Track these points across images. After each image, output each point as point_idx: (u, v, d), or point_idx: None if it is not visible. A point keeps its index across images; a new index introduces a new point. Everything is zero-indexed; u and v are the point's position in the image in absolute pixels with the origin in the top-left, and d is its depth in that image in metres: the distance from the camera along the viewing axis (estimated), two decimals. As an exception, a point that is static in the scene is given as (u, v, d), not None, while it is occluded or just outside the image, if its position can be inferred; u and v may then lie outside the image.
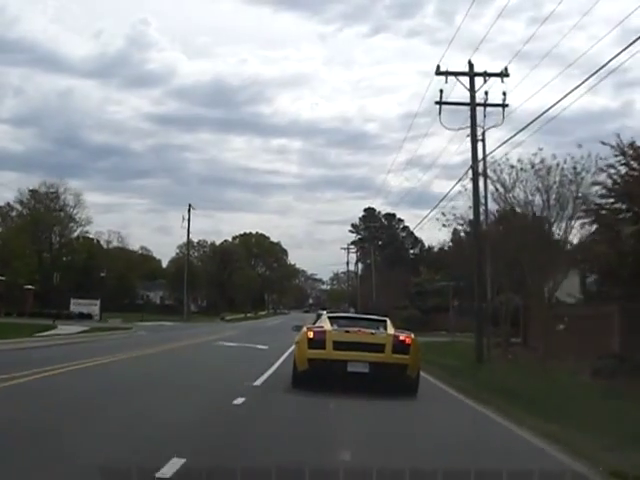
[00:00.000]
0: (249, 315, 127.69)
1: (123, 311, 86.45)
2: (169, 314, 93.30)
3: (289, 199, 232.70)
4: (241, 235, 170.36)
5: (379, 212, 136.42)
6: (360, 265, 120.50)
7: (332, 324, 16.22)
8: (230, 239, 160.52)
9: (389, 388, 15.08)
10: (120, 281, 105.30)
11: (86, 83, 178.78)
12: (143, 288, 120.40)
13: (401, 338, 15.23)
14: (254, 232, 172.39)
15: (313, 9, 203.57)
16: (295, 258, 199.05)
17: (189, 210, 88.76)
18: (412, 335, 15.71)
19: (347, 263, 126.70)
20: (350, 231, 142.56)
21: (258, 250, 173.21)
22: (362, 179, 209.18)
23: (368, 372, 14.70)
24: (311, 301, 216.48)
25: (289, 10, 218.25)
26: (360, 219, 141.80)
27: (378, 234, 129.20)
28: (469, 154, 29.07)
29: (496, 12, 70.35)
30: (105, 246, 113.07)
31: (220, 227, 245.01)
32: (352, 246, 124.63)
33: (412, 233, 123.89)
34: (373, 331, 15.58)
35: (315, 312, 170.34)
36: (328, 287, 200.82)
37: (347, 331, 15.43)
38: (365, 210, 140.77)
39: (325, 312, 22.44)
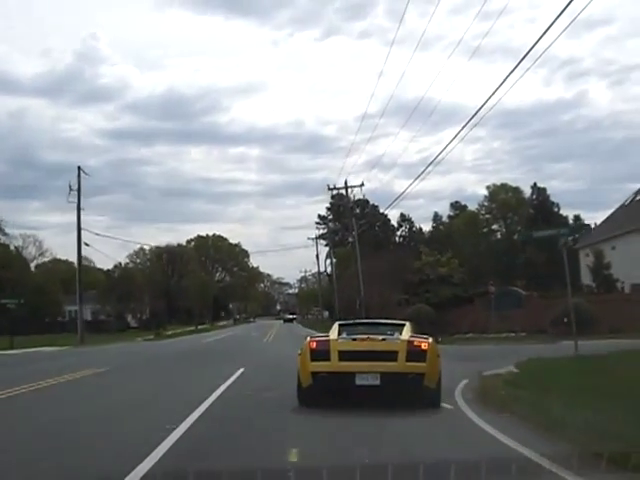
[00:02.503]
0: (202, 327, 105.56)
1: (42, 332, 75.43)
2: (98, 332, 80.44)
3: (251, 207, 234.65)
4: (196, 238, 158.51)
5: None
6: (334, 260, 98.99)
7: (341, 332, 14.35)
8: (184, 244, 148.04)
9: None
10: (39, 297, 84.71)
11: (37, 102, 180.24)
12: (70, 303, 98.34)
13: (415, 344, 13.44)
14: (211, 234, 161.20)
15: (264, 15, 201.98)
16: (262, 266, 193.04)
17: (78, 174, 62.51)
18: (429, 339, 13.82)
19: (317, 256, 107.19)
20: (317, 223, 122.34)
21: (216, 254, 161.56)
22: (323, 183, 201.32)
23: (379, 384, 13.07)
24: (279, 307, 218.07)
25: (240, 17, 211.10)
26: (328, 208, 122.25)
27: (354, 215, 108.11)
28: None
29: (446, 9, 53.48)
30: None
31: (183, 240, 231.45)
32: (322, 240, 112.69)
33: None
34: (384, 337, 13.73)
35: (283, 318, 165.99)
36: (297, 291, 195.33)
37: (354, 339, 13.72)
38: (333, 197, 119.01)
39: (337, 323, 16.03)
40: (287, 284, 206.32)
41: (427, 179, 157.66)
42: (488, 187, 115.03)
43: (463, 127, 29.11)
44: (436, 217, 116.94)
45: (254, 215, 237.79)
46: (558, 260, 70.45)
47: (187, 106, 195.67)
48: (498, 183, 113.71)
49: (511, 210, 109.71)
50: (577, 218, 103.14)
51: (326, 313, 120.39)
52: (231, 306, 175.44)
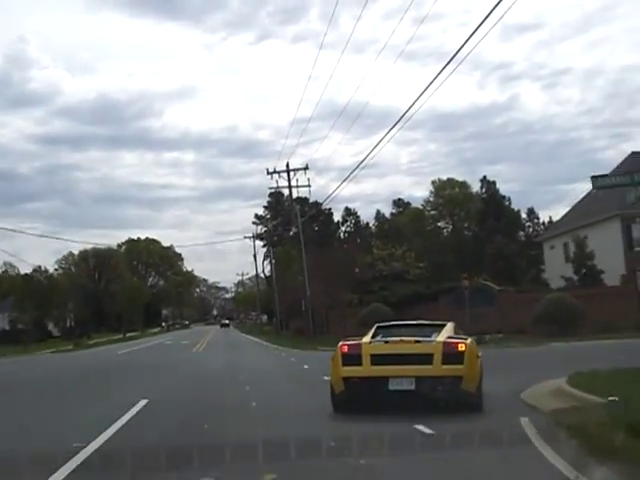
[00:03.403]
0: (131, 335, 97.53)
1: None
2: (15, 342, 70.79)
3: (186, 212, 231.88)
4: (127, 241, 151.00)
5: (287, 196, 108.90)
6: (272, 261, 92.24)
7: (376, 335, 13.72)
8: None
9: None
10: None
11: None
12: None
13: (452, 345, 12.71)
14: (143, 237, 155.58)
15: (196, 19, 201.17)
16: (199, 271, 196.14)
17: None
18: (468, 340, 13.11)
19: (254, 256, 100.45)
20: (254, 222, 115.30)
21: (148, 257, 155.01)
22: (258, 187, 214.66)
23: (414, 389, 12.48)
24: (216, 312, 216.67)
25: (172, 21, 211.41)
26: (265, 207, 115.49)
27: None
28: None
29: (380, 13, 49.55)
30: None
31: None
32: (259, 241, 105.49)
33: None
34: (419, 339, 13.04)
35: (219, 323, 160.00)
36: (234, 295, 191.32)
37: (387, 342, 13.12)
38: (270, 195, 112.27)
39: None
40: (224, 288, 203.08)
41: (364, 182, 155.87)
42: (434, 182, 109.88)
43: (390, 129, 29.13)
44: (378, 215, 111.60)
45: (190, 220, 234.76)
46: (522, 253, 64.63)
47: (120, 111, 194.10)
48: (444, 178, 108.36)
49: (458, 205, 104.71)
50: (531, 212, 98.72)
51: (265, 317, 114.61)
52: (165, 312, 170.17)
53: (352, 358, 12.87)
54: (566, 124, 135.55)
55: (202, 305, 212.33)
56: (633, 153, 58.77)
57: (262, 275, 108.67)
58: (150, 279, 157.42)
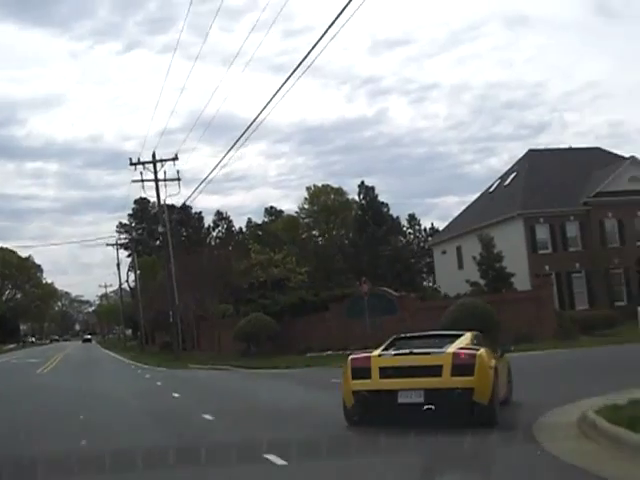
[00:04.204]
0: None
1: None
2: None
3: (49, 224, 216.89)
4: None
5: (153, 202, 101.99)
6: (137, 271, 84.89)
7: (391, 346, 13.68)
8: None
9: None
10: None
11: None
12: None
13: (462, 356, 12.40)
14: None
15: (62, 26, 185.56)
16: (62, 285, 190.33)
17: None
18: (480, 350, 12.67)
19: (118, 265, 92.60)
20: (118, 231, 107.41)
21: (4, 269, 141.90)
22: (124, 198, 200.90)
23: (423, 401, 12.16)
24: (78, 327, 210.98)
25: (36, 27, 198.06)
26: (130, 215, 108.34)
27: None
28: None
29: (249, 26, 47.64)
30: None
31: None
32: (124, 250, 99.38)
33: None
34: (429, 351, 12.82)
35: (82, 338, 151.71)
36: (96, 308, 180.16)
37: (397, 354, 12.95)
38: (136, 202, 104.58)
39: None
40: (87, 302, 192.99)
41: (232, 194, 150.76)
42: (308, 189, 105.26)
43: (235, 143, 32.20)
44: (250, 223, 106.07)
45: (52, 232, 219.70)
46: (397, 260, 59.93)
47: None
48: (319, 184, 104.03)
49: (334, 212, 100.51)
50: (412, 217, 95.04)
51: (129, 331, 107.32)
52: (24, 327, 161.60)
53: (361, 371, 12.80)
54: (434, 138, 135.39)
55: (64, 319, 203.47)
56: (530, 151, 55.16)
57: (127, 286, 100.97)
58: (6, 292, 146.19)
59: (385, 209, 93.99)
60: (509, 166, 58.56)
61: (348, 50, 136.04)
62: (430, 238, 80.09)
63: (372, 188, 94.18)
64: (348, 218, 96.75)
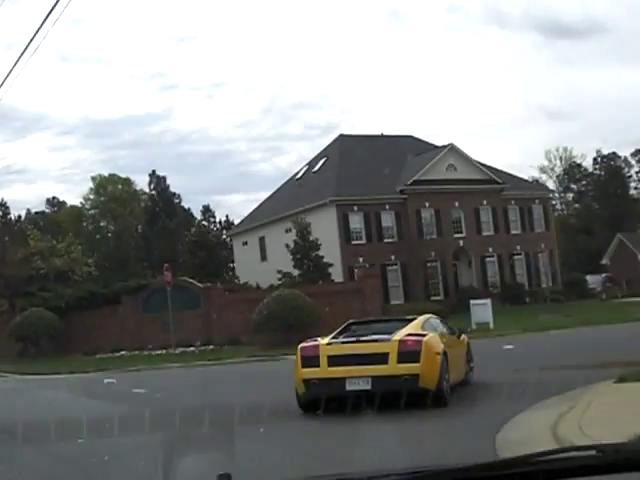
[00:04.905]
0: None
1: None
2: None
3: None
4: None
5: None
6: None
7: (341, 334, 14.03)
8: None
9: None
10: None
11: None
12: None
13: (408, 343, 12.81)
14: None
15: None
16: None
17: None
18: (427, 336, 13.11)
19: None
20: None
21: None
22: None
23: (370, 389, 12.40)
24: None
25: None
26: None
27: None
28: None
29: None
30: None
31: None
32: None
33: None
34: (376, 338, 13.22)
35: None
36: None
37: (344, 342, 13.37)
38: None
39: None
40: None
41: (10, 187, 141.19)
42: (94, 178, 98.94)
43: None
44: (29, 214, 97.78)
45: None
46: (202, 248, 55.43)
47: None
48: (105, 174, 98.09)
49: (123, 203, 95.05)
50: (207, 209, 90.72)
51: None
52: None
53: (310, 360, 12.96)
54: (222, 136, 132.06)
55: None
56: (341, 135, 52.05)
57: None
58: None
59: (177, 200, 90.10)
60: (300, 165, 55.83)
61: (139, 42, 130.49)
62: (225, 231, 76.95)
63: (164, 178, 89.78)
64: (137, 209, 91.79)
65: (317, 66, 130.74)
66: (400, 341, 12.68)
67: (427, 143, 50.59)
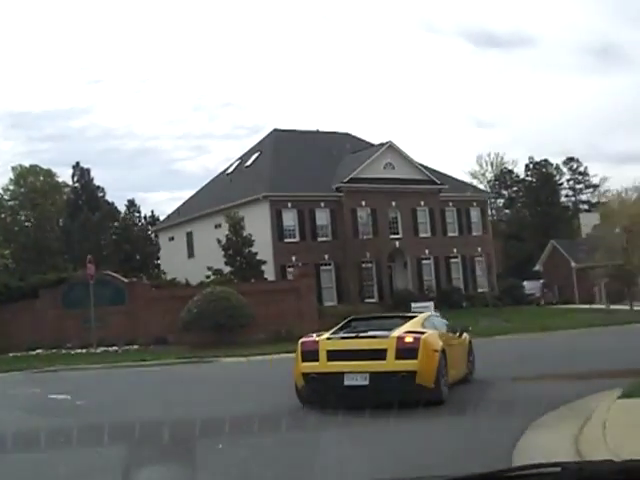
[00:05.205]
0: None
1: None
2: None
3: None
4: None
5: None
6: None
7: (342, 329, 14.31)
8: None
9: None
10: None
11: None
12: None
13: (406, 340, 12.89)
14: None
15: None
16: None
17: None
18: (425, 334, 13.15)
19: None
20: None
21: None
22: None
23: (368, 384, 12.56)
24: None
25: None
26: None
27: None
28: None
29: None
30: None
31: None
32: None
33: None
34: (375, 335, 13.30)
35: None
36: None
37: (344, 337, 13.55)
38: None
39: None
40: None
41: None
42: (14, 169, 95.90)
43: None
44: None
45: None
46: (127, 241, 53.43)
47: None
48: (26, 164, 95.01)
49: (44, 194, 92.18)
50: (132, 203, 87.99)
51: None
52: None
53: (310, 354, 13.11)
54: (147, 133, 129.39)
55: None
56: (275, 130, 50.35)
57: None
58: None
59: (101, 194, 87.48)
60: (227, 164, 54.19)
61: (64, 34, 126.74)
62: (150, 227, 75.00)
63: (87, 170, 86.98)
64: (59, 202, 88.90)
65: (247, 65, 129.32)
66: (398, 338, 12.78)
67: (364, 141, 49.33)
